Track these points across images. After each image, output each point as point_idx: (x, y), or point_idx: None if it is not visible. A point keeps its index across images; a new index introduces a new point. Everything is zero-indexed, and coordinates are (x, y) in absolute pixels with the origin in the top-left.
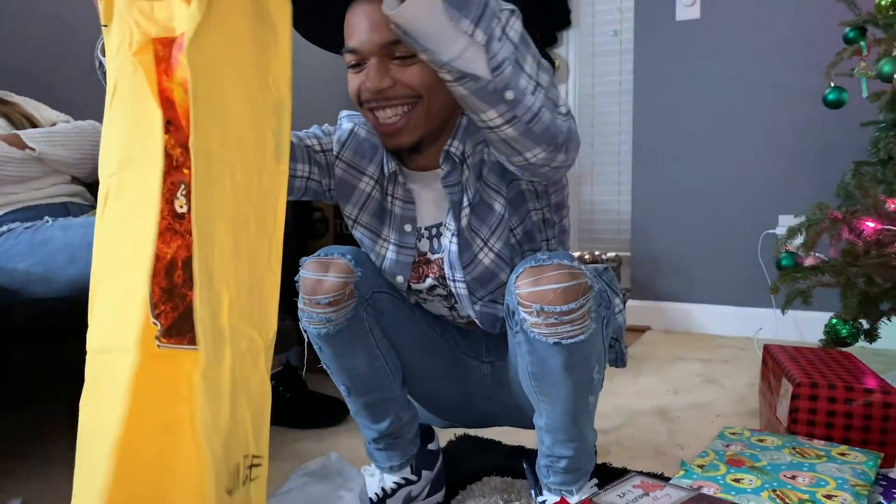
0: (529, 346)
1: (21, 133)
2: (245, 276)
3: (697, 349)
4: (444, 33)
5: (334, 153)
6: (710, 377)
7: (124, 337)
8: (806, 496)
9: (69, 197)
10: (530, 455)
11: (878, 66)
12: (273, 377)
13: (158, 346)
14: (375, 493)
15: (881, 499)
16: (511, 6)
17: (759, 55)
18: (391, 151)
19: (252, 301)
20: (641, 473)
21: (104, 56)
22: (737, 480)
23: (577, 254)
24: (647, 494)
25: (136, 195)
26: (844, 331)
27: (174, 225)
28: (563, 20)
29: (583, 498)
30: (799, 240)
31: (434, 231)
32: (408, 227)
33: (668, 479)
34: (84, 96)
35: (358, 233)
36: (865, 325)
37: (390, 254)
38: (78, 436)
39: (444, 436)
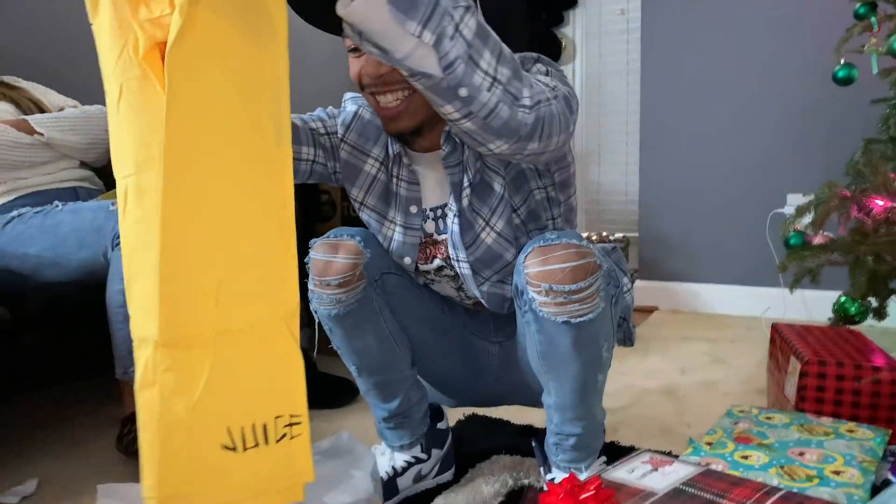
0: (538, 325)
1: (29, 118)
2: (242, 260)
3: (705, 329)
4: (394, 33)
5: (339, 136)
6: (717, 356)
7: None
8: (814, 472)
9: (78, 181)
10: (539, 434)
11: (889, 43)
12: None
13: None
14: (386, 472)
15: (889, 475)
16: (467, 2)
17: (768, 33)
18: (393, 135)
19: (257, 277)
20: (650, 451)
21: None
22: (745, 457)
23: (584, 234)
24: (657, 470)
25: (157, 196)
26: (853, 309)
27: None
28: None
29: (592, 475)
30: (807, 219)
31: (439, 212)
32: (413, 209)
33: (676, 457)
34: (91, 81)
35: (365, 215)
36: (874, 303)
37: (397, 235)
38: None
39: (453, 416)
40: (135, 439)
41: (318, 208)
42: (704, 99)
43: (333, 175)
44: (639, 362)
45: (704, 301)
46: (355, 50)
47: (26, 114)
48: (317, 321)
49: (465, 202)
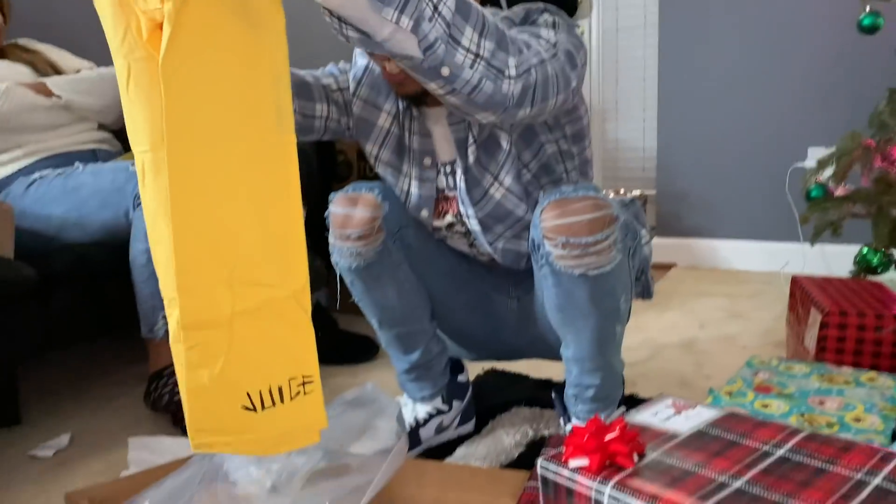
0: (555, 278)
1: (47, 80)
2: (251, 245)
3: (723, 284)
4: (371, 20)
5: (351, 91)
6: (735, 311)
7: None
8: (834, 420)
9: (97, 144)
10: (558, 386)
11: None
12: None
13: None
14: (409, 423)
15: None
16: None
17: None
18: (402, 97)
19: (266, 260)
20: (672, 396)
21: None
22: (765, 406)
23: None
24: (679, 413)
25: None
26: (875, 260)
27: None
28: None
29: None
30: (829, 171)
31: (449, 168)
32: (427, 161)
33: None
34: (106, 45)
35: (381, 169)
36: None
37: (413, 188)
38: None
39: (472, 371)
40: (161, 396)
41: (334, 168)
42: (724, 51)
43: (347, 131)
44: (657, 318)
45: (723, 257)
46: None
47: (43, 76)
48: (338, 275)
49: (470, 159)
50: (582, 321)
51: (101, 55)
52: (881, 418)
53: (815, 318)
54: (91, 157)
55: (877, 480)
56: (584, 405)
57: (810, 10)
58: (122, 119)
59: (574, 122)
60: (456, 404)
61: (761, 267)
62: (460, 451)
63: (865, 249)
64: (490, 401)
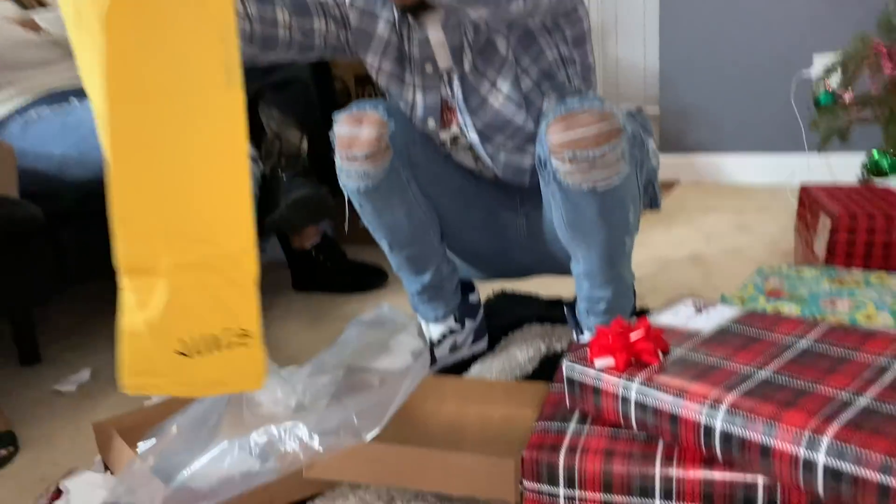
0: (563, 194)
1: (34, 15)
2: (194, 198)
3: (729, 199)
4: None
5: (347, 2)
6: (742, 224)
7: None
8: (846, 319)
9: None
10: (570, 302)
11: None
12: (312, 249)
13: None
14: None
15: None
16: None
17: None
18: (401, 10)
19: (208, 217)
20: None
21: None
22: (777, 310)
23: None
24: (701, 312)
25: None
26: (885, 163)
27: None
28: None
29: None
30: (836, 77)
31: (447, 77)
32: (429, 68)
33: None
34: None
35: (383, 81)
36: None
37: (419, 98)
38: None
39: (483, 292)
40: None
41: (332, 97)
42: None
43: (347, 46)
44: (663, 233)
45: (728, 172)
46: None
47: (28, 10)
48: (346, 199)
49: (466, 65)
50: (592, 236)
51: None
52: (892, 315)
53: (825, 223)
54: (85, 93)
55: None
56: (596, 318)
57: None
58: None
59: (573, 24)
60: (468, 323)
61: (766, 180)
62: (475, 369)
63: (876, 153)
64: (502, 320)
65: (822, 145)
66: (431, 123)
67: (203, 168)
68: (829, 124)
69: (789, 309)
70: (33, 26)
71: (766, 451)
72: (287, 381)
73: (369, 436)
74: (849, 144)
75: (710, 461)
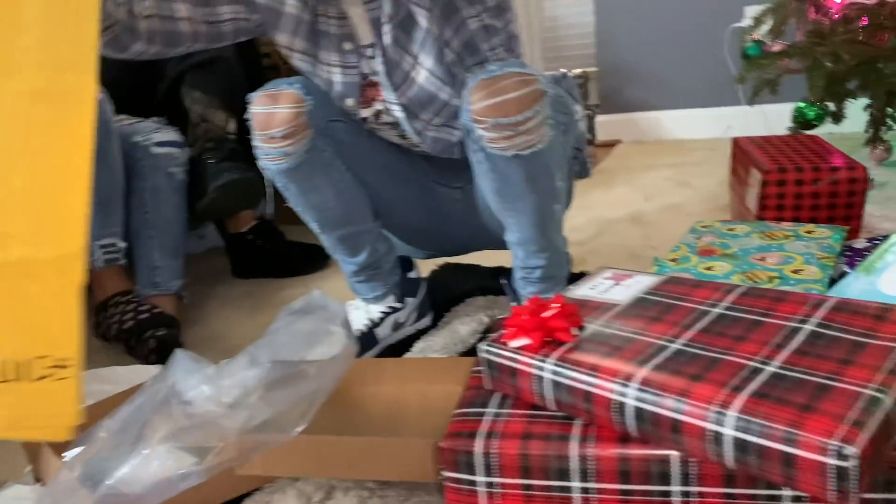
0: (490, 163)
1: None
2: (13, 196)
3: (669, 155)
4: None
5: None
6: (681, 180)
7: None
8: (775, 274)
9: None
10: (507, 272)
11: None
12: (249, 232)
13: None
14: (364, 324)
15: (845, 268)
16: None
17: None
18: None
19: (26, 212)
20: (611, 268)
21: None
22: (708, 269)
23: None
24: (619, 283)
25: None
26: (811, 113)
27: None
28: None
29: None
30: (766, 28)
31: (369, 52)
32: (347, 46)
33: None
34: None
35: (297, 61)
36: (832, 107)
37: (336, 76)
38: None
39: (426, 267)
40: (109, 326)
41: (260, 74)
42: None
43: (258, 27)
44: (604, 194)
45: (667, 128)
46: None
47: None
48: (273, 182)
49: (387, 39)
50: (520, 203)
51: None
52: (819, 267)
53: (756, 177)
54: None
55: (809, 326)
56: (532, 287)
57: None
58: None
59: None
60: (409, 301)
61: (706, 134)
62: (418, 346)
63: (801, 104)
64: (446, 293)
65: (753, 97)
66: (350, 102)
67: (32, 155)
68: (758, 76)
69: (721, 267)
70: None
71: (676, 426)
72: (213, 377)
73: (297, 430)
74: (782, 95)
75: (625, 438)
